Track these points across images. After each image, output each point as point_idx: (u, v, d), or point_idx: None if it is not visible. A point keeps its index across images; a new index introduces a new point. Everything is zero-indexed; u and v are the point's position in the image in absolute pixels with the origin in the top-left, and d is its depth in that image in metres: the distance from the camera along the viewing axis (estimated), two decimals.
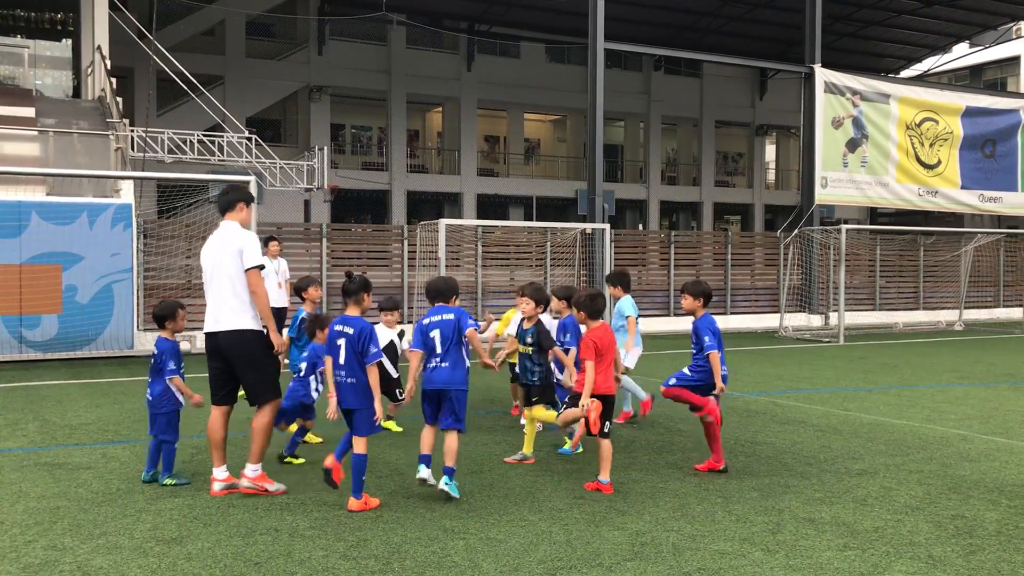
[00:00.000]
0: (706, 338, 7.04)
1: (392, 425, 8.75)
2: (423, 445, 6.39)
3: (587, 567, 4.93)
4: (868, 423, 9.41)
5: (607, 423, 6.56)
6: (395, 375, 8.54)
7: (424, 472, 6.29)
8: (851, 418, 9.73)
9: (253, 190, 15.35)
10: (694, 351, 7.25)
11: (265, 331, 6.46)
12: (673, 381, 7.27)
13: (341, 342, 6.08)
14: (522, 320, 7.70)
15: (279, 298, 15.12)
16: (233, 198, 6.70)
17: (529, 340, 7.49)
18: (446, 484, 6.23)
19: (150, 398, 6.83)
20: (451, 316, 6.44)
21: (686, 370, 7.29)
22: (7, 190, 15.57)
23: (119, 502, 6.20)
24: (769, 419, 9.64)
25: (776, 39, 36.78)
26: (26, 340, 14.47)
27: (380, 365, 7.98)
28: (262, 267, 6.42)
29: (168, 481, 6.68)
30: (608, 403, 6.57)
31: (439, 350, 6.36)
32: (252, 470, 6.38)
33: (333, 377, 6.11)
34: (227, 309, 6.37)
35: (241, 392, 6.67)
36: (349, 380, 6.05)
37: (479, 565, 4.95)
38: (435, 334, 6.38)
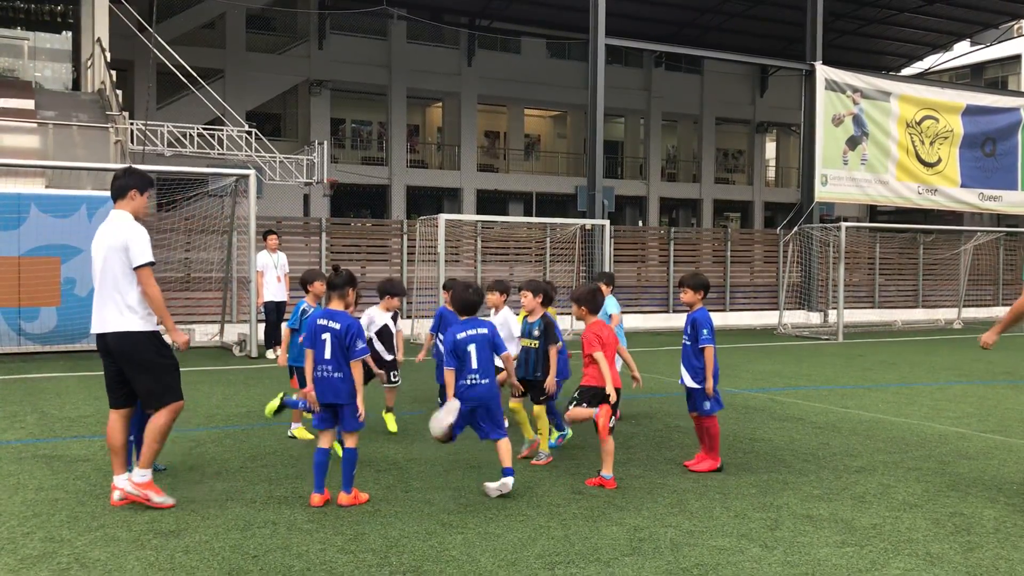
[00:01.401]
0: (704, 331, 6.98)
1: (390, 421, 8.63)
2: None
3: (585, 562, 4.92)
4: (867, 420, 9.42)
5: (613, 418, 6.55)
6: (389, 358, 8.53)
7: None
8: (850, 415, 9.73)
9: (253, 184, 15.35)
10: (687, 341, 7.15)
11: (160, 331, 5.99)
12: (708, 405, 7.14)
13: (326, 336, 6.01)
14: (525, 314, 7.69)
15: (279, 291, 15.15)
16: (125, 184, 6.07)
17: (536, 333, 7.47)
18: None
19: None
20: (485, 330, 6.40)
21: (682, 377, 7.19)
22: (6, 182, 15.56)
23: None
24: (768, 416, 9.64)
25: (777, 36, 36.75)
26: (25, 332, 14.47)
27: (371, 347, 8.05)
28: (152, 264, 5.91)
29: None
30: (614, 397, 6.57)
31: (475, 365, 6.25)
32: (140, 475, 5.87)
33: (315, 371, 6.02)
34: (114, 310, 5.84)
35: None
36: (336, 375, 5.99)
37: (477, 559, 4.94)
38: (472, 348, 6.27)
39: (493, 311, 8.47)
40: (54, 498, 6.08)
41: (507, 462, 6.30)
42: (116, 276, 5.85)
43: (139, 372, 5.87)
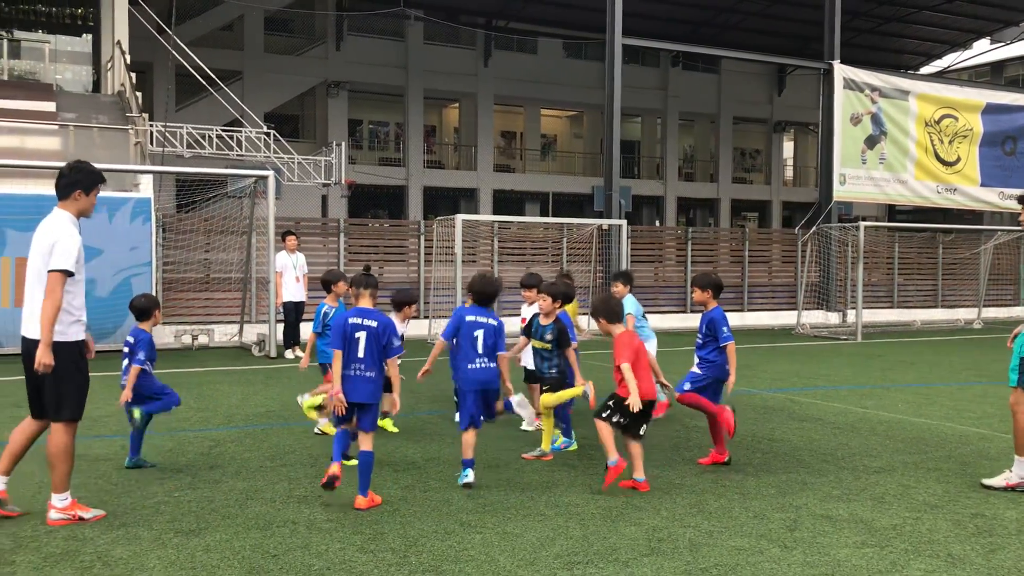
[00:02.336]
0: (724, 329, 7.05)
1: (388, 424, 8.64)
2: (468, 449, 6.49)
3: (604, 562, 4.93)
4: (886, 421, 9.36)
5: (644, 426, 6.53)
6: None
7: (471, 476, 6.47)
8: (869, 415, 9.68)
9: (271, 185, 15.42)
10: (699, 343, 7.22)
11: (82, 342, 5.68)
12: (688, 386, 7.25)
13: (360, 335, 5.97)
14: (537, 316, 7.66)
15: (297, 292, 15.23)
16: (70, 182, 5.69)
17: (549, 337, 7.44)
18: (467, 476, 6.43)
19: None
20: (495, 323, 6.59)
21: (696, 369, 7.26)
22: (28, 184, 15.70)
23: (138, 493, 6.25)
24: (786, 416, 9.60)
25: (794, 35, 36.58)
26: None
27: None
28: (70, 274, 5.47)
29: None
30: (646, 406, 6.48)
31: (481, 350, 6.47)
32: (60, 500, 5.57)
33: (344, 370, 5.96)
34: (37, 315, 5.49)
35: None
36: (368, 374, 5.97)
37: (495, 559, 4.96)
38: (479, 334, 6.48)
39: (526, 304, 8.78)
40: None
41: (469, 454, 6.48)
42: (43, 281, 5.49)
43: (50, 380, 5.53)
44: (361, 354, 5.96)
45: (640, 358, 6.56)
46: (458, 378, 6.60)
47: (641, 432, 6.54)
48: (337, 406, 5.94)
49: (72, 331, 5.60)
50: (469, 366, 6.46)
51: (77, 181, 5.70)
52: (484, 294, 6.72)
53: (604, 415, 6.54)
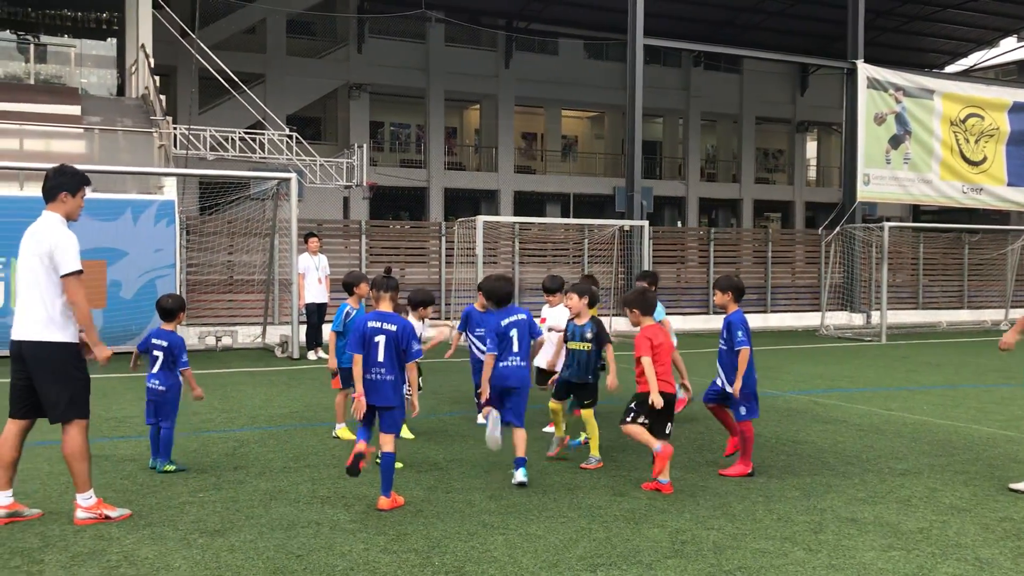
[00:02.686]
0: (739, 333, 6.86)
1: (404, 430, 8.58)
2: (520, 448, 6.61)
3: (627, 564, 4.91)
4: (912, 423, 9.28)
5: (669, 424, 6.51)
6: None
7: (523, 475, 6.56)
8: (894, 418, 9.59)
9: (294, 187, 15.49)
10: (723, 349, 7.07)
11: (79, 343, 5.68)
12: (713, 396, 7.16)
13: (380, 339, 5.97)
14: (571, 320, 7.60)
15: (320, 293, 15.30)
16: (55, 185, 5.68)
17: (588, 335, 7.31)
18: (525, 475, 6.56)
19: (162, 388, 7.01)
20: (524, 316, 6.77)
21: (720, 380, 7.11)
22: None
23: (163, 493, 6.29)
24: (810, 418, 9.54)
25: (817, 34, 36.34)
26: None
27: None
28: (80, 272, 5.55)
29: (168, 468, 6.87)
30: (667, 400, 6.47)
31: (516, 349, 6.63)
32: (84, 499, 5.63)
33: (366, 375, 5.94)
34: (34, 318, 5.55)
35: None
36: (388, 377, 5.97)
37: (519, 560, 4.95)
38: (514, 333, 6.64)
39: (548, 305, 8.87)
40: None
41: (521, 452, 6.57)
42: (40, 283, 5.54)
43: (50, 382, 5.59)
44: (381, 358, 5.96)
45: (661, 354, 6.52)
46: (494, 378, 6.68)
47: (667, 431, 6.52)
48: (358, 409, 5.92)
49: (71, 332, 5.64)
50: (505, 364, 6.63)
51: (61, 184, 5.71)
52: (504, 294, 6.83)
53: (628, 419, 6.53)
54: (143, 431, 8.44)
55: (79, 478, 5.62)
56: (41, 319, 5.56)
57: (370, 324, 6.02)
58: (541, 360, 8.55)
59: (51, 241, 5.53)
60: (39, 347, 5.57)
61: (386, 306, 6.14)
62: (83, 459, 5.62)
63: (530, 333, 6.79)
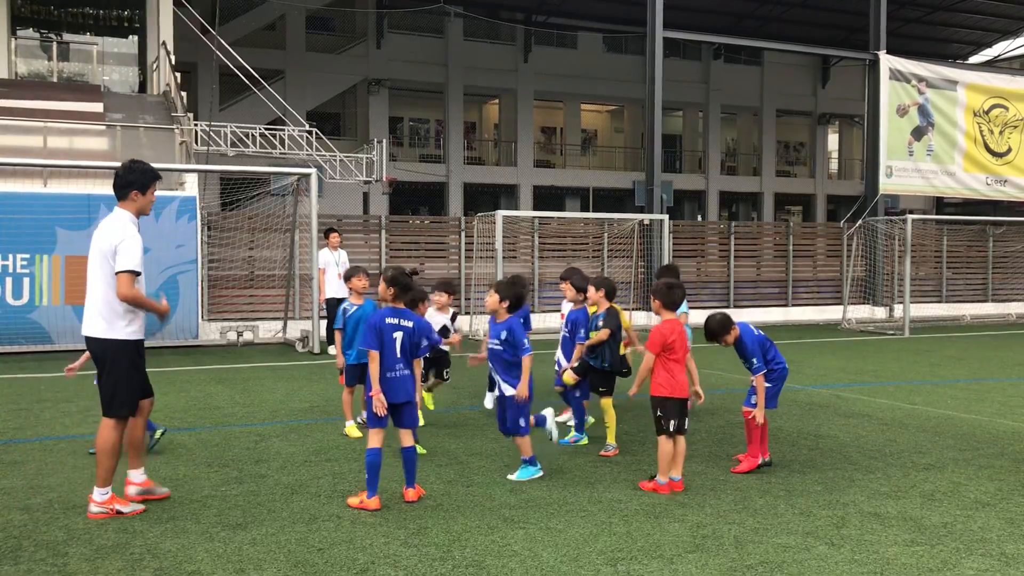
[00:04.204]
0: (754, 360, 6.70)
1: (429, 398, 8.91)
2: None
3: (648, 558, 4.89)
4: (935, 417, 9.20)
5: (671, 422, 6.28)
6: (447, 350, 8.95)
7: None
8: (917, 412, 9.51)
9: (314, 182, 15.54)
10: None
11: (140, 341, 5.83)
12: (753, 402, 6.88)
13: (398, 335, 5.95)
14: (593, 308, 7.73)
15: (340, 289, 15.28)
16: (125, 182, 5.80)
17: (600, 324, 7.55)
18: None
19: None
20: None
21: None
22: (77, 183, 15.99)
23: (185, 487, 6.33)
24: (832, 412, 9.47)
25: (839, 26, 36.03)
26: None
27: (436, 348, 8.19)
28: (136, 273, 5.66)
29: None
30: (677, 404, 6.32)
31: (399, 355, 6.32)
32: (100, 494, 5.66)
33: (383, 372, 5.90)
34: (97, 314, 5.69)
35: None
36: (406, 372, 6.01)
37: (539, 555, 4.95)
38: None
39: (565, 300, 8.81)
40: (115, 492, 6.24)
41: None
42: (104, 279, 5.65)
43: (106, 376, 5.75)
44: (398, 354, 5.97)
45: (675, 350, 6.32)
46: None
47: (671, 429, 6.27)
48: (377, 407, 5.86)
49: (132, 330, 5.73)
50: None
51: (132, 181, 5.78)
52: (518, 297, 6.66)
53: (667, 431, 6.29)
54: (165, 424, 8.51)
55: (101, 472, 5.68)
56: (103, 315, 5.66)
57: (388, 321, 5.98)
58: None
59: (116, 238, 5.62)
60: (98, 343, 5.70)
61: (400, 303, 6.11)
62: (112, 456, 5.67)
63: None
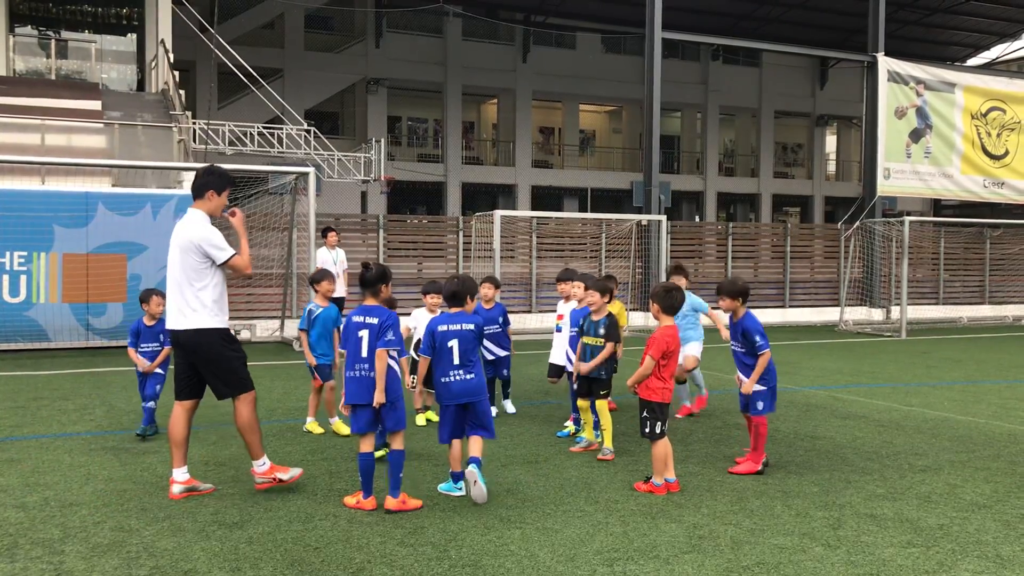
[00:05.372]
0: (757, 338, 6.74)
1: (432, 415, 8.72)
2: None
3: (644, 559, 4.90)
4: (932, 419, 9.21)
5: (659, 424, 6.28)
6: None
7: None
8: (914, 413, 9.52)
9: (312, 181, 15.54)
10: (737, 348, 6.94)
11: (228, 329, 6.13)
12: (760, 405, 6.87)
13: (363, 334, 5.80)
14: (589, 313, 7.60)
15: (338, 288, 15.32)
16: (203, 183, 6.18)
17: (601, 332, 7.37)
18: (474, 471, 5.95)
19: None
20: (471, 326, 6.10)
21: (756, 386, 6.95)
22: (75, 181, 15.98)
23: None
24: (829, 413, 9.48)
25: (837, 27, 36.09)
26: (93, 327, 14.84)
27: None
28: (234, 254, 6.07)
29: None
30: (665, 409, 6.33)
31: (456, 360, 6.01)
32: (260, 465, 6.13)
33: (349, 372, 5.82)
34: (186, 307, 5.99)
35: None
36: (372, 374, 5.77)
37: (535, 555, 4.95)
38: (453, 344, 6.02)
39: (564, 299, 8.86)
40: (123, 489, 6.24)
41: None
42: (189, 274, 5.99)
43: (209, 366, 6.05)
44: (364, 353, 5.80)
45: (670, 363, 6.32)
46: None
47: (658, 431, 6.27)
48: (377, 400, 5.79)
49: (220, 318, 6.09)
50: (442, 378, 6.08)
51: (210, 183, 6.19)
52: (449, 293, 6.22)
53: (652, 434, 6.31)
54: (161, 424, 8.50)
55: (252, 447, 6.10)
56: (190, 308, 6.00)
57: (354, 319, 5.88)
58: (557, 356, 8.61)
59: (198, 237, 6.01)
60: (192, 334, 6.01)
61: (370, 301, 5.97)
62: (254, 430, 6.11)
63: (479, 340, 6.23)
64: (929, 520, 5.66)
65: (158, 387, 8.22)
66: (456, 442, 6.16)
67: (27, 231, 14.50)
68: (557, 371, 8.67)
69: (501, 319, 9.08)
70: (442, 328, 6.06)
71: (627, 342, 9.07)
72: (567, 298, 8.77)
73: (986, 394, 10.97)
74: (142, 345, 8.30)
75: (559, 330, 8.71)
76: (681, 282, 8.70)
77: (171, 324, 6.08)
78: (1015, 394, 10.98)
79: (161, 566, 4.74)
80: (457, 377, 6.02)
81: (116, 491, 6.18)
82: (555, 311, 9.28)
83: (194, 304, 5.98)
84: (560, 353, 8.56)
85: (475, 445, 6.09)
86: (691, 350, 8.96)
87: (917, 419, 9.19)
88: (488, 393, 6.40)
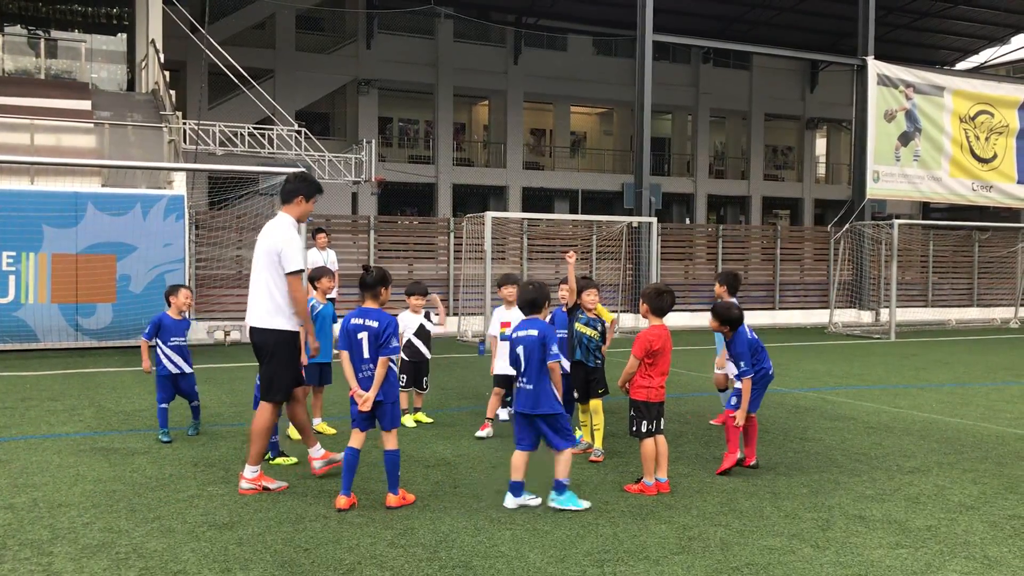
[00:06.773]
0: (741, 364, 6.75)
1: (422, 417, 8.81)
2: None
3: (634, 560, 4.91)
4: (920, 421, 9.25)
5: (644, 423, 6.29)
6: (428, 356, 8.80)
7: (511, 501, 5.94)
8: (902, 415, 9.57)
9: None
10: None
11: (297, 332, 6.35)
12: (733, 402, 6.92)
13: (363, 336, 5.87)
14: (575, 310, 7.69)
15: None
16: (293, 189, 6.42)
17: (600, 328, 7.53)
18: (554, 499, 5.92)
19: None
20: (535, 332, 5.98)
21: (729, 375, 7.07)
22: (64, 181, 15.92)
23: (172, 487, 6.32)
24: (818, 415, 9.52)
25: (827, 31, 36.21)
26: (82, 328, 14.79)
27: (411, 347, 8.25)
28: (301, 271, 6.22)
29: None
30: (653, 408, 6.34)
31: (523, 368, 5.97)
32: (251, 471, 6.19)
33: (356, 372, 5.88)
34: (263, 307, 6.28)
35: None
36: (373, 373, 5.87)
37: (526, 556, 4.96)
38: (520, 350, 6.00)
39: (506, 306, 8.72)
40: (112, 490, 6.23)
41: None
42: (270, 276, 6.22)
43: (267, 362, 6.31)
44: (367, 355, 5.87)
45: (658, 362, 6.33)
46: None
47: (644, 430, 6.30)
48: (362, 405, 5.84)
49: (294, 321, 6.27)
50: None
51: (299, 189, 6.40)
52: (526, 302, 6.18)
53: (640, 432, 6.33)
54: (151, 425, 8.51)
55: (253, 453, 6.20)
56: (268, 308, 6.23)
57: (353, 321, 5.93)
58: (501, 366, 8.23)
59: (281, 242, 6.22)
60: (262, 333, 6.27)
61: (369, 304, 6.02)
62: (264, 438, 6.25)
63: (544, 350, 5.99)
64: (917, 521, 5.69)
65: (195, 387, 8.32)
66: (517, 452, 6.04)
67: (16, 231, 14.45)
68: (506, 381, 8.24)
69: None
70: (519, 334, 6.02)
71: (615, 343, 9.07)
72: (509, 304, 8.51)
73: (974, 396, 11.02)
74: (172, 340, 8.01)
75: (505, 338, 8.05)
76: (723, 292, 8.48)
77: (248, 321, 6.33)
78: (1003, 396, 11.04)
79: (150, 567, 4.73)
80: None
81: (105, 492, 6.16)
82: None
83: (268, 304, 6.22)
84: (505, 363, 7.79)
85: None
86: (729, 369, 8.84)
87: (906, 421, 9.23)
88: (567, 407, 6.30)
